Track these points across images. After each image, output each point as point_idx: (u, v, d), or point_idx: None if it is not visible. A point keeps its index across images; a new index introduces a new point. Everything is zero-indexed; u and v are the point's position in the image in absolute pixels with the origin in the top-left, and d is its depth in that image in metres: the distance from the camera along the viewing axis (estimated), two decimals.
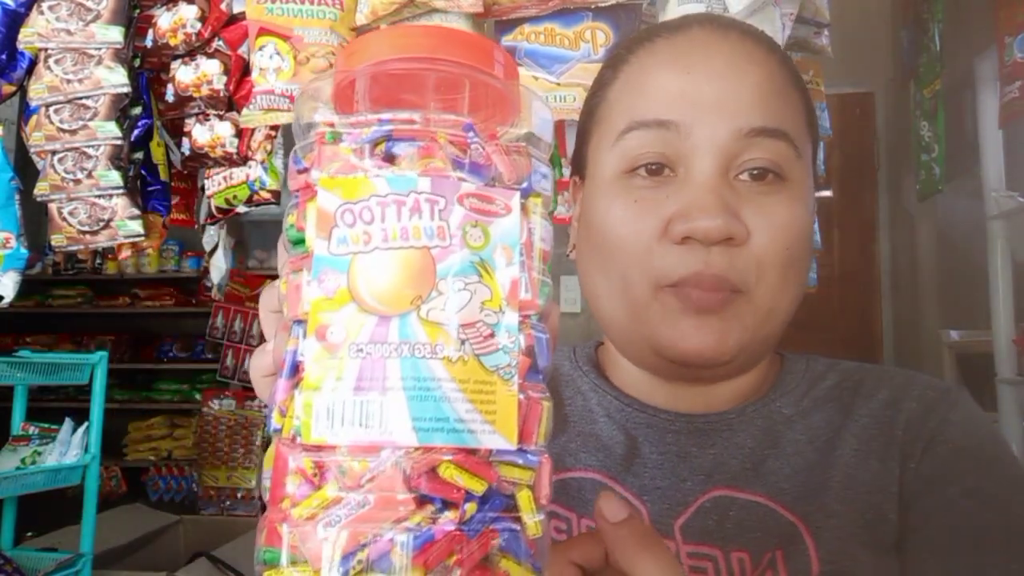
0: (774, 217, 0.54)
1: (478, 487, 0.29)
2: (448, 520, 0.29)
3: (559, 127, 1.80)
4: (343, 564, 0.28)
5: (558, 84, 1.30)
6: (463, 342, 0.30)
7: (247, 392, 4.12)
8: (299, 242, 0.33)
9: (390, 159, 0.32)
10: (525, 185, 0.33)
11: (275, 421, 0.32)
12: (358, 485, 0.29)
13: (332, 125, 0.33)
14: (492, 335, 0.30)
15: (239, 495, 3.99)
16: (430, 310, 0.30)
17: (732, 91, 0.54)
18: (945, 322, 2.61)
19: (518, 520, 0.30)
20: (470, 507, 0.29)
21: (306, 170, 0.33)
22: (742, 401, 0.60)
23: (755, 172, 0.54)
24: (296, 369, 0.31)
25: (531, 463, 0.31)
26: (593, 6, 1.31)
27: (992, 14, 2.01)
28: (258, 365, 0.36)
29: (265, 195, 1.80)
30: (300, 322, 0.32)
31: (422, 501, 0.29)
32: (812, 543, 0.53)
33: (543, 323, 0.33)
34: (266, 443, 4.08)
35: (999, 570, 0.49)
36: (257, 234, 4.20)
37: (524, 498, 0.31)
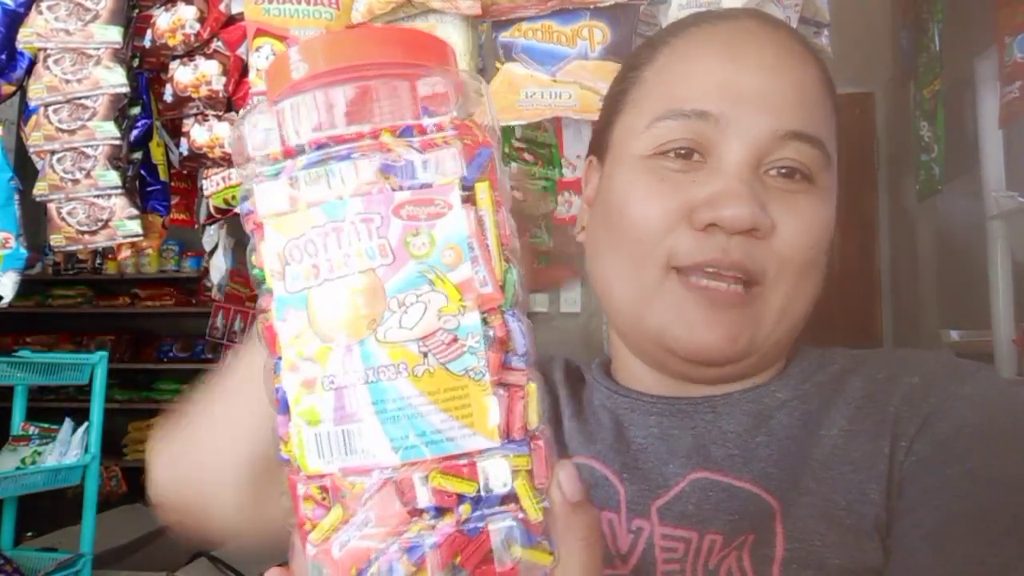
0: (801, 214, 0.53)
1: (469, 488, 0.30)
2: (447, 524, 0.30)
3: (559, 128, 1.79)
4: None
5: (554, 81, 1.30)
6: (425, 355, 0.30)
7: None
8: (263, 280, 0.33)
9: (324, 178, 0.31)
10: (466, 175, 0.32)
11: (283, 452, 0.33)
12: (358, 505, 0.30)
13: (274, 159, 0.33)
14: (455, 340, 0.31)
15: None
16: (387, 331, 0.30)
17: (775, 87, 0.54)
18: (945, 322, 2.60)
19: (519, 509, 0.31)
20: (465, 508, 0.30)
21: (253, 211, 0.33)
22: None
23: (784, 170, 0.54)
24: (287, 404, 0.32)
25: (521, 451, 0.31)
26: (592, 5, 1.31)
27: (992, 14, 2.00)
28: None
29: None
30: (280, 359, 0.32)
31: (418, 511, 0.30)
32: (781, 523, 0.50)
33: (517, 308, 0.33)
34: None
35: (1002, 560, 0.44)
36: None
37: (521, 487, 0.31)
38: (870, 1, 3.05)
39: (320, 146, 0.32)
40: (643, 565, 0.53)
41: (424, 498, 0.30)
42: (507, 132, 2.13)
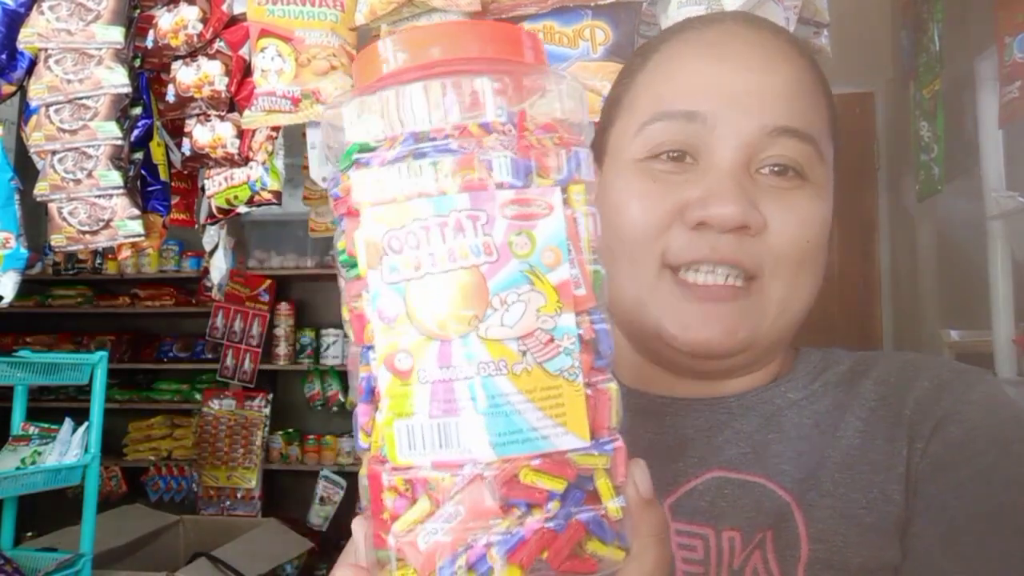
0: (794, 210, 0.54)
1: (558, 486, 0.31)
2: (535, 520, 0.30)
3: None
4: (446, 570, 0.30)
5: None
6: (524, 353, 0.30)
7: (247, 392, 4.13)
8: (352, 266, 0.33)
9: (427, 169, 0.31)
10: (564, 175, 0.32)
11: (362, 441, 0.34)
12: (448, 498, 0.30)
13: (363, 146, 0.33)
14: (552, 340, 0.31)
15: (239, 495, 3.99)
16: (488, 328, 0.30)
17: (762, 85, 0.54)
18: (945, 322, 2.60)
19: (600, 505, 0.32)
20: (554, 505, 0.31)
21: (344, 197, 0.33)
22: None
23: (776, 168, 0.54)
24: (372, 392, 0.33)
25: (606, 451, 0.32)
26: (592, 4, 1.31)
27: (992, 14, 2.01)
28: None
29: (266, 196, 1.79)
30: (369, 347, 0.33)
31: (508, 506, 0.30)
32: (803, 523, 0.51)
33: (601, 311, 0.33)
34: (266, 443, 4.07)
35: (1013, 558, 0.47)
36: (257, 234, 4.20)
37: (603, 485, 0.32)
38: (870, 1, 3.05)
39: (417, 137, 0.32)
40: None
41: (514, 495, 0.30)
42: None
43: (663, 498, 0.56)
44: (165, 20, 1.69)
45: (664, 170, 0.55)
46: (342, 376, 4.09)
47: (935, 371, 0.55)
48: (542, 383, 0.31)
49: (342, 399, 4.14)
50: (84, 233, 1.73)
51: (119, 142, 1.70)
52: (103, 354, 2.35)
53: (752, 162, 0.54)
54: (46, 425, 2.31)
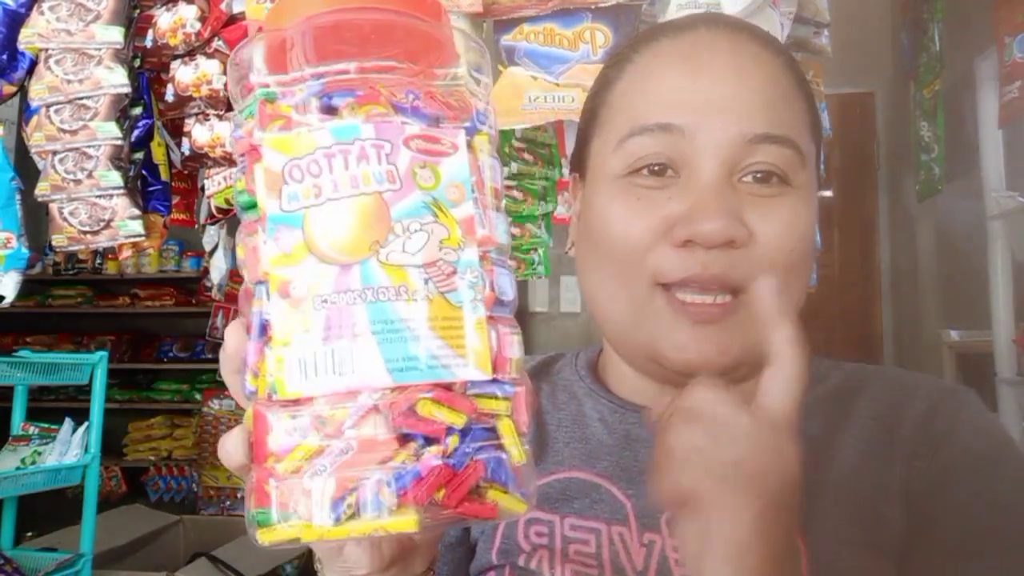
0: (778, 218, 0.53)
1: (458, 420, 0.30)
2: (432, 455, 0.29)
3: (559, 127, 1.80)
4: (333, 511, 0.29)
5: (557, 84, 1.30)
6: (426, 281, 0.30)
7: None
8: (250, 207, 0.33)
9: (331, 111, 0.32)
10: (468, 124, 0.33)
11: (249, 383, 0.32)
12: (340, 432, 0.29)
13: (267, 86, 0.33)
14: (454, 272, 0.31)
15: (239, 495, 3.98)
16: (390, 253, 0.30)
17: (737, 93, 0.53)
18: (945, 322, 2.60)
19: (502, 449, 0.31)
20: (452, 440, 0.30)
21: (246, 137, 0.33)
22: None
23: (759, 175, 0.53)
24: (264, 330, 0.32)
25: (507, 392, 0.32)
26: (593, 7, 1.31)
27: (992, 14, 2.01)
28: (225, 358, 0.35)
29: None
30: (262, 283, 0.32)
31: (405, 439, 0.29)
32: (801, 544, 0.51)
33: (504, 257, 0.34)
34: None
35: (1011, 572, 0.48)
36: None
37: (505, 426, 0.31)
38: (870, 1, 3.05)
39: (323, 77, 0.32)
40: None
41: (411, 426, 0.29)
42: (507, 132, 2.13)
43: (660, 515, 0.55)
44: (164, 19, 1.69)
45: (646, 185, 0.54)
46: None
47: (926, 391, 0.56)
48: (444, 312, 0.30)
49: None
50: (85, 233, 1.73)
51: (119, 142, 1.70)
52: (103, 354, 2.35)
53: (734, 171, 0.53)
54: (46, 425, 2.31)
